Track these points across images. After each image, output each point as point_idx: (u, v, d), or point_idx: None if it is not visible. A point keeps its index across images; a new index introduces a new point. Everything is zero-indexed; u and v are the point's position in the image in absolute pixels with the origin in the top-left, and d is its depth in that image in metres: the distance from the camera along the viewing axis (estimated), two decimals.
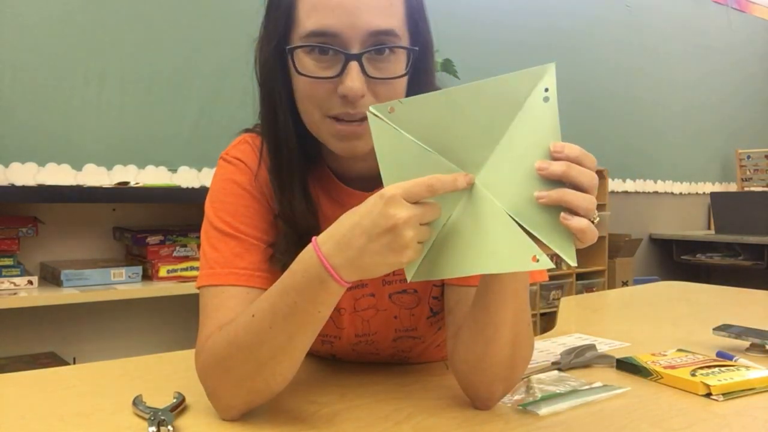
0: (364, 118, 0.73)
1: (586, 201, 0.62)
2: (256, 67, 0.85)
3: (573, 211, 0.62)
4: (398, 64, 0.78)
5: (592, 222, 0.63)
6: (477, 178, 0.66)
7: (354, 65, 0.75)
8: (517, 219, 0.64)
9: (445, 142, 0.66)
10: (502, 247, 0.64)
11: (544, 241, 0.63)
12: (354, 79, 0.74)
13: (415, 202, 0.64)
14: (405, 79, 0.79)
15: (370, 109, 0.68)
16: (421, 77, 0.82)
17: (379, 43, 0.76)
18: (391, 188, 0.64)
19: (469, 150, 0.66)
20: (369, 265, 0.65)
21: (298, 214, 0.82)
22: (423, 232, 0.65)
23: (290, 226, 0.82)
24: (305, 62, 0.77)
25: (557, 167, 0.62)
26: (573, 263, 0.63)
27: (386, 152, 0.68)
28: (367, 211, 0.65)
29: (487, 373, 0.77)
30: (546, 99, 0.64)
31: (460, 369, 0.81)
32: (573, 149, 0.63)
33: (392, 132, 0.67)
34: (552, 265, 0.63)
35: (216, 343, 0.76)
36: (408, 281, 0.68)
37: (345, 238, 0.65)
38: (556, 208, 0.62)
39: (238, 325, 0.74)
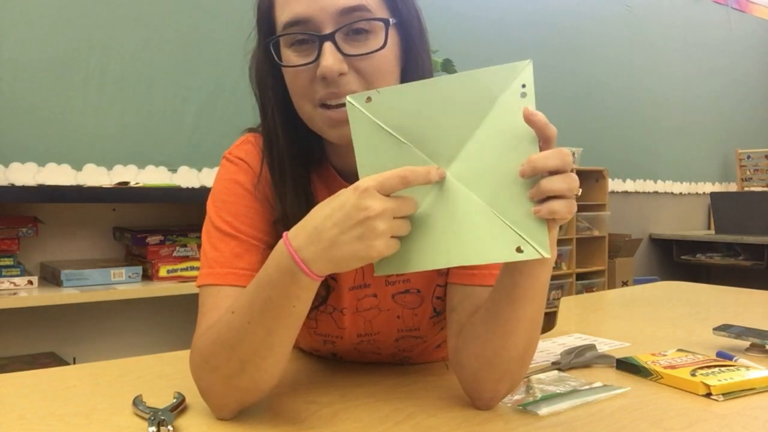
0: None
1: (567, 181, 0.62)
2: (251, 75, 0.86)
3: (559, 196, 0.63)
4: (377, 39, 0.77)
5: (576, 194, 0.64)
6: (449, 171, 0.66)
7: (328, 45, 0.75)
8: (494, 210, 0.64)
9: (420, 133, 0.67)
10: (480, 238, 0.65)
11: (521, 233, 0.63)
12: (328, 58, 0.75)
13: (389, 195, 0.64)
14: (390, 54, 0.79)
15: (348, 98, 0.69)
16: (412, 52, 0.82)
17: (353, 19, 0.76)
18: (365, 181, 0.64)
19: (442, 141, 0.66)
20: (339, 257, 0.65)
21: (290, 216, 0.82)
22: (397, 226, 0.64)
23: (287, 230, 0.82)
24: (287, 55, 0.79)
25: (527, 169, 0.63)
26: (547, 255, 0.63)
27: (362, 141, 0.68)
28: (339, 204, 0.65)
29: (498, 369, 0.77)
30: (523, 95, 0.64)
31: (469, 365, 0.80)
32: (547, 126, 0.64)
33: (369, 121, 0.68)
34: (537, 256, 0.63)
35: (204, 342, 0.76)
36: (374, 275, 0.68)
37: (315, 231, 0.65)
38: (531, 202, 0.63)
39: (222, 323, 0.75)
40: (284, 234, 0.68)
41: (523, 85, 0.64)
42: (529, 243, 0.63)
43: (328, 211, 0.65)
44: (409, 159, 0.67)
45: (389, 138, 0.67)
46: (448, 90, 0.66)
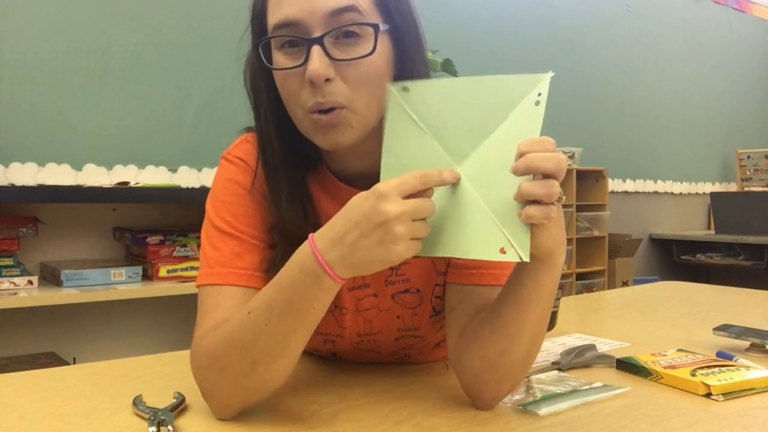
0: (334, 108, 0.75)
1: (545, 186, 0.63)
2: (245, 77, 0.86)
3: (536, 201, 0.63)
4: (366, 44, 0.76)
5: (559, 201, 0.64)
6: (460, 168, 0.68)
7: (316, 49, 0.75)
8: (490, 210, 0.66)
9: (440, 128, 0.70)
10: (473, 235, 0.67)
11: (507, 235, 0.65)
12: (315, 62, 0.74)
13: (408, 197, 0.65)
14: (379, 61, 0.77)
15: (389, 86, 0.72)
16: (406, 59, 0.81)
17: (343, 23, 0.75)
18: (383, 184, 0.66)
19: (460, 139, 0.69)
20: (361, 261, 0.66)
21: (288, 221, 0.82)
22: (416, 228, 0.65)
23: (283, 235, 0.82)
24: (277, 58, 0.79)
25: (521, 164, 0.63)
26: (525, 259, 0.65)
27: (394, 128, 0.71)
28: (359, 207, 0.66)
29: (501, 370, 0.77)
30: (537, 103, 0.66)
31: (471, 366, 0.80)
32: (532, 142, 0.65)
33: (403, 110, 0.71)
34: (518, 259, 0.65)
35: (211, 342, 0.76)
36: None
37: (338, 235, 0.67)
38: (520, 206, 0.65)
39: (234, 322, 0.74)
40: (310, 236, 0.70)
41: (539, 94, 0.66)
42: (512, 245, 0.65)
43: (350, 215, 0.66)
44: (428, 151, 0.69)
45: (416, 128, 0.70)
46: (474, 90, 0.68)
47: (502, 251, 0.65)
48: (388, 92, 0.71)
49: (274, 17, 0.78)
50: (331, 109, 0.76)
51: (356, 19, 0.76)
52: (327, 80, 0.75)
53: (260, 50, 0.80)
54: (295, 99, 0.78)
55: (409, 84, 0.71)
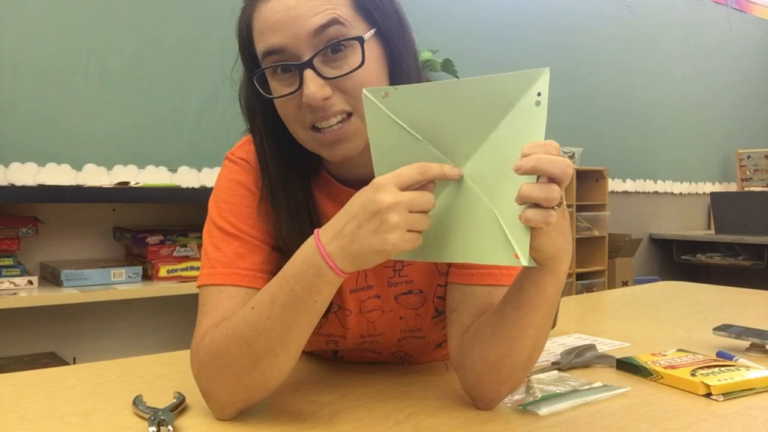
0: (341, 120, 0.76)
1: (545, 191, 0.61)
2: (240, 101, 0.86)
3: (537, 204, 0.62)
4: (355, 56, 0.77)
5: (558, 206, 0.62)
6: (463, 170, 0.67)
7: (308, 73, 0.75)
8: (498, 214, 0.65)
9: (435, 132, 0.68)
10: (484, 239, 0.66)
11: (510, 238, 0.64)
12: (309, 86, 0.75)
13: (407, 189, 0.65)
14: (372, 66, 0.78)
15: (364, 91, 0.69)
16: (396, 58, 0.81)
17: (328, 38, 0.75)
18: (381, 177, 0.67)
19: (457, 142, 0.67)
20: (358, 251, 0.66)
21: (288, 240, 0.82)
22: (413, 220, 0.65)
23: (286, 247, 0.82)
24: (272, 85, 0.79)
25: (527, 163, 0.62)
26: (524, 263, 0.64)
27: (377, 134, 0.70)
28: (358, 199, 0.67)
29: (502, 372, 0.77)
30: (537, 103, 0.64)
31: (473, 367, 0.80)
32: (538, 144, 0.63)
33: (384, 116, 0.69)
34: (533, 264, 0.64)
35: (213, 340, 0.76)
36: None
37: (339, 226, 0.68)
38: (525, 208, 0.63)
39: (237, 318, 0.75)
40: (315, 231, 0.71)
41: (539, 93, 0.64)
42: (514, 248, 0.64)
43: (349, 209, 0.68)
44: (424, 156, 0.68)
45: (405, 134, 0.69)
46: (467, 92, 0.66)
47: (516, 256, 0.63)
48: (363, 98, 0.69)
49: (260, 46, 0.78)
50: (333, 125, 0.77)
51: (340, 31, 0.76)
52: (325, 99, 0.76)
53: (255, 81, 0.79)
54: (295, 120, 0.79)
55: (389, 89, 0.68)
